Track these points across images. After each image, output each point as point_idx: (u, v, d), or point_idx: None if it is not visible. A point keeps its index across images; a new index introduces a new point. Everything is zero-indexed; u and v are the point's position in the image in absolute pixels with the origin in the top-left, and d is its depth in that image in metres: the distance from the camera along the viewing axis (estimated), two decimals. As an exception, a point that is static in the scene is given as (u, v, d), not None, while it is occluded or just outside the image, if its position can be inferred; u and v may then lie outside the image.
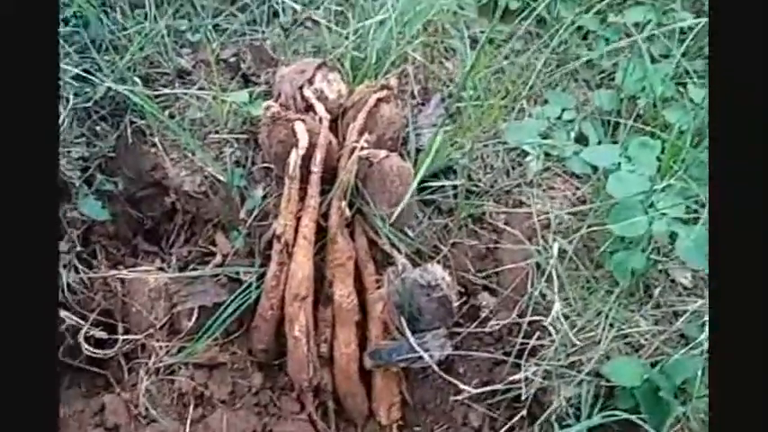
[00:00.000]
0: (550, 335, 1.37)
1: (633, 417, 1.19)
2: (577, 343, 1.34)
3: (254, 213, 1.44)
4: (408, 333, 1.39)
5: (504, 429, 1.42)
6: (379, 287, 1.45)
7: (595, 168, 1.48)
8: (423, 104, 1.54)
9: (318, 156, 1.33)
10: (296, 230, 1.37)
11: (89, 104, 1.40)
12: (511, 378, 1.40)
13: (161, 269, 1.49)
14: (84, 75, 1.42)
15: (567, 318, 1.37)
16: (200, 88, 1.49)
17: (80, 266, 1.42)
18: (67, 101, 1.36)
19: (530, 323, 1.39)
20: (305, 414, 1.48)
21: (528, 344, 1.41)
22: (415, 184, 1.36)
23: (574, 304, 1.38)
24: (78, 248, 1.41)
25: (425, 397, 1.57)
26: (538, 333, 1.37)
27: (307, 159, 1.34)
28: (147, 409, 1.40)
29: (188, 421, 1.38)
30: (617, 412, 1.24)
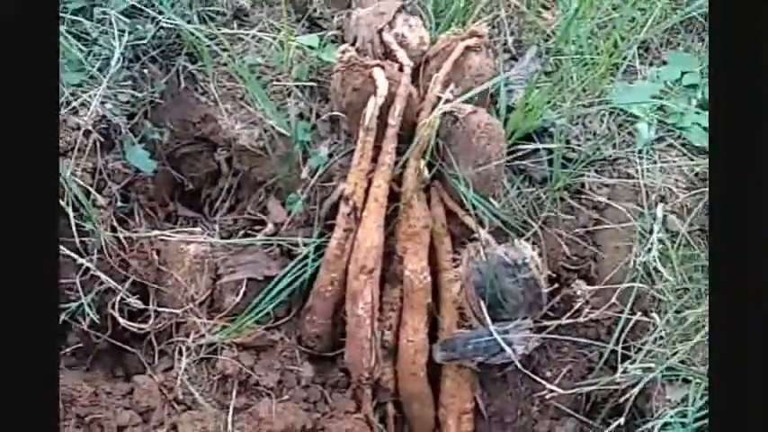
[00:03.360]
0: (656, 327, 1.66)
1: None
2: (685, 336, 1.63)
3: (318, 173, 1.77)
4: (489, 321, 1.68)
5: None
6: (456, 266, 1.75)
7: (718, 140, 1.79)
8: (516, 59, 1.87)
9: (398, 107, 1.64)
10: (366, 192, 1.68)
11: (140, 42, 1.76)
12: (608, 379, 1.69)
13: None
14: (135, 10, 1.79)
15: (679, 311, 1.67)
16: (260, 30, 1.85)
17: (117, 226, 1.75)
18: (120, 38, 1.73)
19: (632, 313, 1.68)
20: (361, 414, 1.76)
21: (630, 343, 1.71)
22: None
23: (685, 294, 1.68)
24: (118, 205, 1.75)
25: (503, 406, 1.85)
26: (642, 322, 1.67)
27: (384, 111, 1.65)
28: (183, 393, 1.70)
29: (230, 409, 1.68)
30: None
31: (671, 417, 1.60)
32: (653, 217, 1.71)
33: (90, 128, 1.70)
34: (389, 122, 1.66)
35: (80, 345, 1.76)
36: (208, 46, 1.80)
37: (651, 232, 1.70)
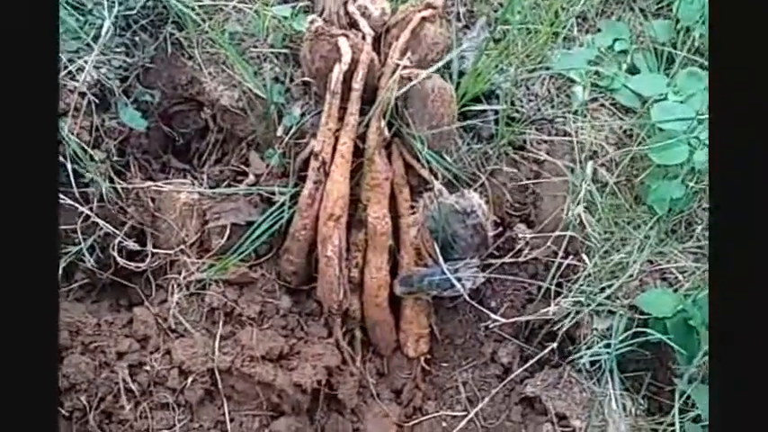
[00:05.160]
0: (585, 267, 1.66)
1: (664, 337, 1.46)
2: (611, 274, 1.63)
3: (291, 131, 1.73)
4: (441, 260, 1.69)
5: (533, 362, 1.72)
6: (413, 212, 1.75)
7: (644, 102, 1.76)
8: (467, 27, 1.82)
9: (360, 72, 1.62)
10: (334, 149, 1.67)
11: (131, 12, 1.70)
12: (544, 310, 1.70)
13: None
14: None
15: (606, 253, 1.66)
16: (240, 2, 1.78)
17: (115, 178, 1.72)
18: (111, 8, 1.67)
19: (565, 255, 1.68)
20: (332, 339, 1.79)
21: (563, 280, 1.71)
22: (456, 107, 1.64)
23: (611, 237, 1.67)
24: (114, 158, 1.71)
25: (454, 331, 1.88)
26: (574, 264, 1.67)
27: (348, 76, 1.62)
28: (176, 323, 1.71)
29: (217, 336, 1.69)
30: (650, 338, 1.53)
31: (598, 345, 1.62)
32: (585, 171, 1.69)
33: (85, 90, 1.65)
34: (353, 86, 1.64)
35: (87, 281, 1.74)
36: (192, 16, 1.74)
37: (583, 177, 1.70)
